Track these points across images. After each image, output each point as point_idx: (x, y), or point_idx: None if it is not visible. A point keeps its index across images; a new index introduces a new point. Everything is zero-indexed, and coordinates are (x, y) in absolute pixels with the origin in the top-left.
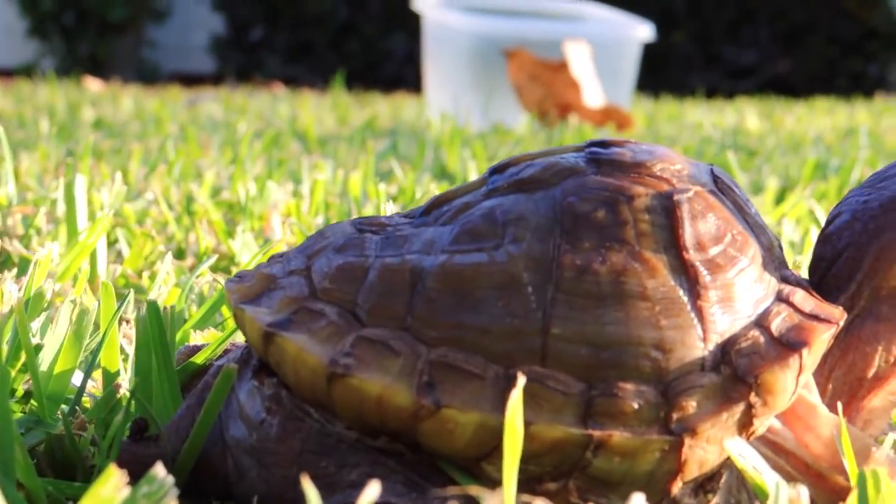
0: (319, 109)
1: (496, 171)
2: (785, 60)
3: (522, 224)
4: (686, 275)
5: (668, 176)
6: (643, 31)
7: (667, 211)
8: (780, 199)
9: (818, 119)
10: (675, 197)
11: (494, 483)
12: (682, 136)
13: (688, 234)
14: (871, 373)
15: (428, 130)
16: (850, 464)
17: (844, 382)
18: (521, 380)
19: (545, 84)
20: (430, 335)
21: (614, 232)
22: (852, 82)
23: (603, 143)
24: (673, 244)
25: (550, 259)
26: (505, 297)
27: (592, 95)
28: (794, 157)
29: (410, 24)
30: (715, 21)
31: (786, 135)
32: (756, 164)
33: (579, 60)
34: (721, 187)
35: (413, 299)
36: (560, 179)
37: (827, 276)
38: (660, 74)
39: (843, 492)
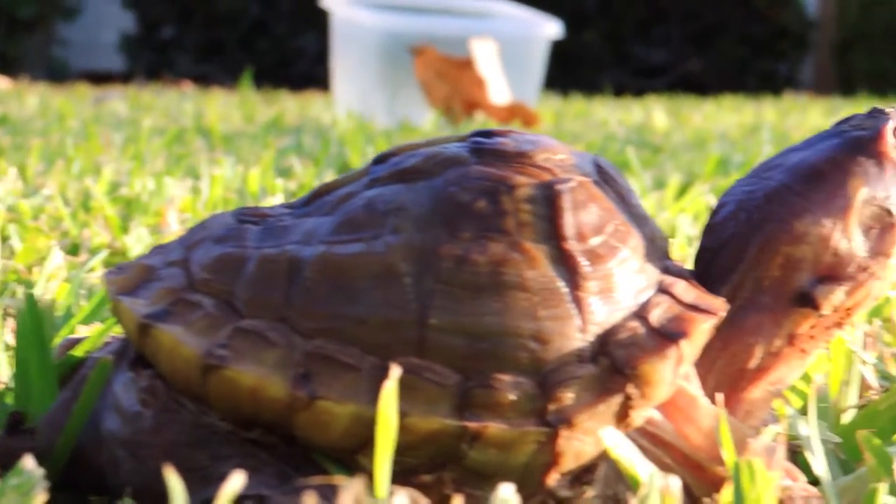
0: (227, 107)
1: (379, 160)
2: (696, 59)
3: (403, 214)
4: (566, 265)
5: (551, 166)
6: (551, 28)
7: (548, 201)
8: (681, 194)
9: (725, 116)
10: (557, 187)
11: (368, 475)
12: (588, 133)
13: (568, 225)
14: (752, 364)
15: (333, 127)
16: (727, 454)
17: (726, 374)
18: (396, 371)
19: (451, 81)
20: (307, 326)
21: (494, 222)
22: (762, 81)
23: (486, 133)
24: (553, 234)
25: (429, 249)
26: (382, 287)
27: (499, 93)
28: (698, 153)
29: (321, 23)
30: (626, 20)
31: (692, 132)
32: (660, 161)
33: (486, 58)
34: (604, 178)
35: (291, 290)
36: (442, 169)
37: (711, 266)
38: (571, 73)
39: (722, 483)
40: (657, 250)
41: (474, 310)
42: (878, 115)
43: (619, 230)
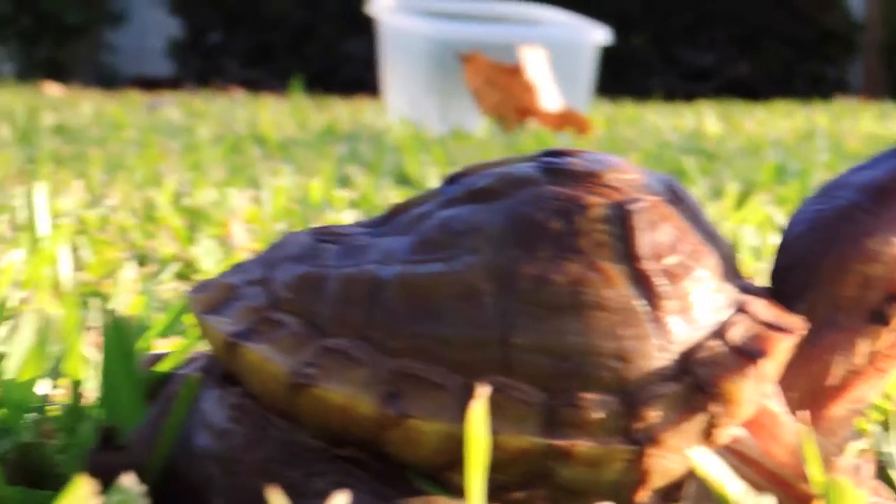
0: (279, 114)
1: (451, 180)
2: (743, 63)
3: (479, 234)
4: (643, 285)
5: (622, 186)
6: (600, 34)
7: (621, 221)
8: (740, 203)
9: (777, 122)
10: (629, 206)
11: (461, 492)
12: (642, 140)
13: (643, 244)
14: (832, 382)
15: (387, 135)
16: (813, 472)
17: (807, 392)
18: (485, 389)
19: (502, 88)
20: (390, 345)
21: (570, 242)
22: (811, 85)
23: (556, 153)
24: (628, 254)
25: (508, 269)
26: (465, 307)
27: (550, 99)
28: (753, 160)
29: (368, 27)
30: (672, 24)
31: (745, 138)
32: (716, 169)
33: (535, 64)
34: (674, 197)
35: (373, 309)
36: (515, 189)
37: (786, 286)
38: (619, 78)
39: (807, 499)
40: (731, 269)
41: (556, 329)
42: None
43: (693, 249)
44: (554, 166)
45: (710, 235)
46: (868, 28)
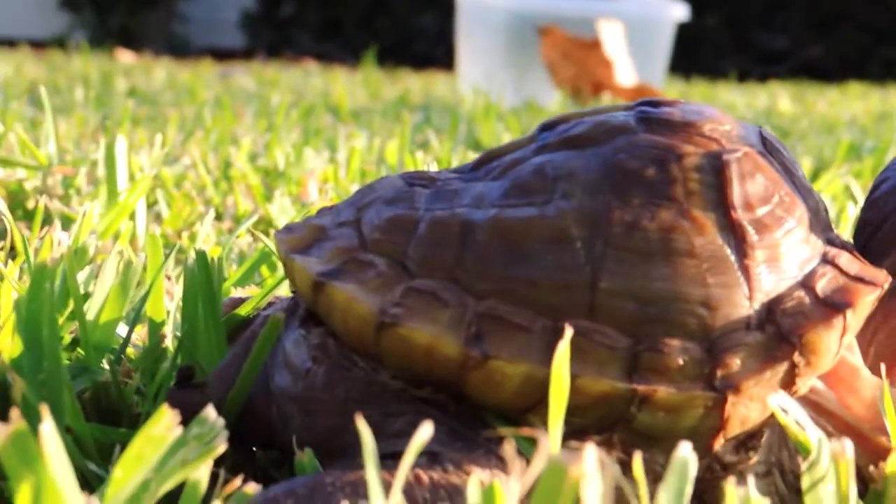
0: (351, 84)
1: (546, 127)
2: (817, 46)
3: (573, 180)
4: (733, 234)
5: (718, 136)
6: (677, 11)
7: (715, 170)
8: (813, 178)
9: (851, 103)
10: (724, 157)
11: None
12: None
13: (736, 194)
14: None
15: (461, 105)
16: (891, 425)
17: (887, 346)
18: (569, 332)
19: (578, 62)
20: (478, 287)
21: (663, 189)
22: (885, 69)
23: (653, 103)
24: (721, 203)
25: (600, 215)
26: (554, 251)
27: (625, 74)
28: (827, 138)
29: (442, 2)
30: (748, 5)
31: (818, 117)
32: (790, 144)
33: (612, 39)
34: (769, 149)
35: (463, 252)
36: (610, 137)
37: (872, 241)
38: (692, 57)
39: (885, 452)
40: (821, 221)
41: (644, 274)
42: None
43: (784, 201)
44: (650, 115)
45: (802, 187)
46: None
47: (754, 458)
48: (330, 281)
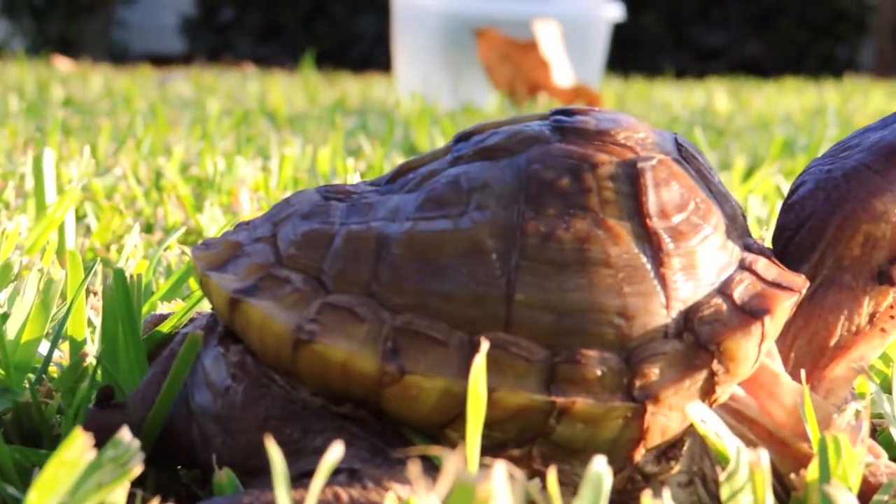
0: (289, 89)
1: (461, 138)
2: (755, 42)
3: (487, 191)
4: (649, 242)
5: (632, 144)
6: (612, 10)
7: (630, 179)
8: (747, 175)
9: (787, 99)
10: (639, 165)
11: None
12: (651, 116)
13: (651, 202)
14: (833, 342)
15: (397, 109)
16: (812, 431)
17: (807, 351)
18: (485, 345)
19: (515, 63)
20: (394, 302)
21: (578, 199)
22: (822, 64)
23: (567, 112)
24: (636, 212)
25: (514, 226)
26: (469, 263)
27: (562, 75)
28: (762, 135)
29: (380, 5)
30: (685, 2)
31: (754, 114)
32: (724, 143)
33: (549, 40)
34: (685, 155)
35: (378, 266)
36: (525, 147)
37: (790, 245)
38: (630, 55)
39: (806, 459)
40: (738, 228)
41: (560, 286)
42: None
43: (700, 207)
44: (564, 124)
45: (718, 194)
46: (879, 9)
47: (676, 468)
48: (245, 298)
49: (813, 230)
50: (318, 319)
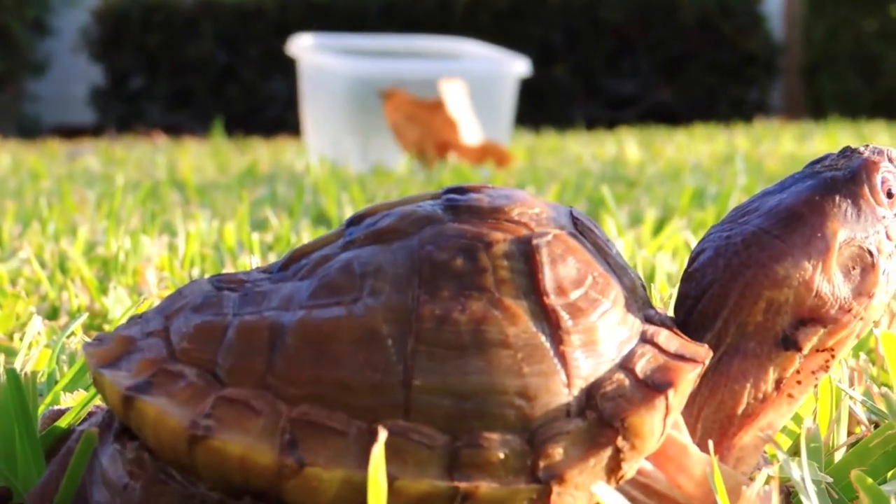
0: (199, 157)
1: (353, 222)
2: (665, 89)
3: (380, 275)
4: (547, 320)
5: (527, 220)
6: (519, 66)
7: (525, 256)
8: (658, 229)
9: (698, 146)
10: (534, 241)
11: None
12: (562, 170)
13: (547, 279)
14: (740, 410)
15: (307, 175)
16: (722, 502)
17: (714, 421)
18: (383, 435)
19: (422, 123)
20: (290, 392)
21: (473, 280)
22: (733, 108)
23: (460, 190)
24: (533, 289)
25: (410, 310)
26: (365, 350)
27: (470, 133)
28: (673, 185)
29: (290, 68)
30: (594, 53)
31: (665, 163)
32: (635, 196)
33: (455, 98)
34: (580, 229)
35: (272, 357)
36: (417, 228)
37: (693, 314)
38: (542, 108)
39: None
40: (638, 299)
41: (458, 369)
42: (850, 155)
43: (598, 282)
44: (457, 203)
45: (616, 266)
46: (788, 50)
47: None
48: (139, 395)
49: (714, 298)
50: (213, 414)
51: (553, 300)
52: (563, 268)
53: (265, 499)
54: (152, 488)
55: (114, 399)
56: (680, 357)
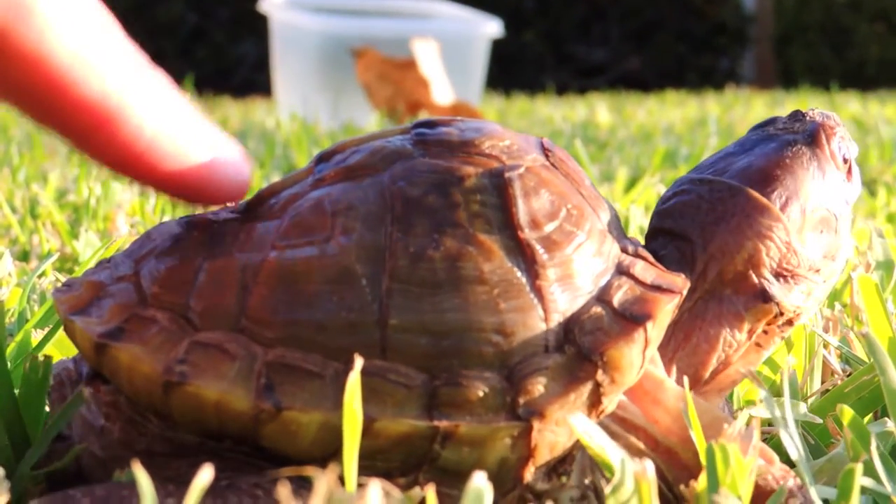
0: None
1: (322, 158)
2: (635, 57)
3: (352, 213)
4: (523, 255)
5: (498, 153)
6: (491, 27)
7: (498, 190)
8: (629, 187)
9: (669, 112)
10: (506, 174)
11: (341, 479)
12: (532, 130)
13: (521, 213)
14: (714, 356)
15: (277, 131)
16: (697, 436)
17: (689, 365)
18: (358, 362)
19: (394, 82)
20: (265, 335)
21: (446, 215)
22: (703, 77)
23: (429, 124)
24: (507, 224)
25: (383, 248)
26: (339, 290)
27: (441, 93)
28: (644, 147)
29: (260, 29)
30: (565, 19)
31: (636, 127)
32: (606, 156)
33: (427, 58)
34: (553, 161)
35: (245, 299)
36: (388, 164)
37: (668, 249)
38: (512, 73)
39: (697, 469)
40: (613, 230)
41: (434, 307)
42: (802, 119)
43: (572, 214)
44: (427, 137)
45: (590, 197)
46: (759, 20)
47: (567, 483)
48: (112, 342)
49: (694, 238)
50: (188, 360)
51: (527, 234)
52: (537, 201)
53: (244, 443)
54: (131, 430)
55: (86, 346)
56: (657, 288)
